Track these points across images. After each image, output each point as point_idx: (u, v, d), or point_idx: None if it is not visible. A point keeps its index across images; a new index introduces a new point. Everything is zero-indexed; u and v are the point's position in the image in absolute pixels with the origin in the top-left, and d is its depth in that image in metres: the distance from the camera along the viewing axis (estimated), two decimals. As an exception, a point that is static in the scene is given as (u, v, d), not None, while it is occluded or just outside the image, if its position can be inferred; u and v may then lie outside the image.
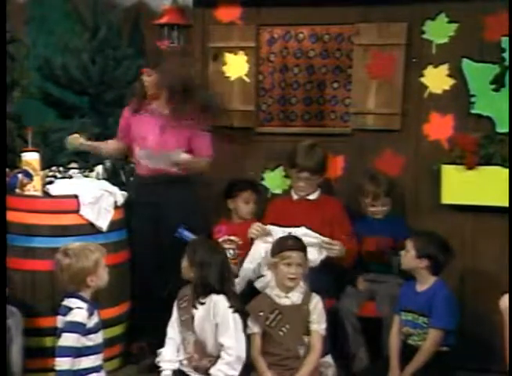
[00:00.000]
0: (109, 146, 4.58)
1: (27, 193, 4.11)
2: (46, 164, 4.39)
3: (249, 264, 4.16)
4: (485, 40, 4.30)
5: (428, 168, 4.38)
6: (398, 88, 4.48)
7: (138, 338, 4.35)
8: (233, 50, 4.73)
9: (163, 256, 4.28)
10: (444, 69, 4.41)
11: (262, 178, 4.77)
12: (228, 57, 4.75)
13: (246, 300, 3.89)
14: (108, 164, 4.50)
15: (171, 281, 4.05)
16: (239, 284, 4.05)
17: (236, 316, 3.70)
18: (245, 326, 3.76)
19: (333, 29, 4.65)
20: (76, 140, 4.43)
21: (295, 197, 4.43)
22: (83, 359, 3.41)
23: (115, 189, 4.26)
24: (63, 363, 3.35)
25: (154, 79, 4.33)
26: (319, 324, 3.81)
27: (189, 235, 4.09)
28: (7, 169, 4.13)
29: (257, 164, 4.76)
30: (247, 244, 4.28)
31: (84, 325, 3.40)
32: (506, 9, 4.18)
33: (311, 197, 4.40)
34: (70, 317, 3.41)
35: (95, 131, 5.02)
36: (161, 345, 3.83)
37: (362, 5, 4.48)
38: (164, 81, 4.31)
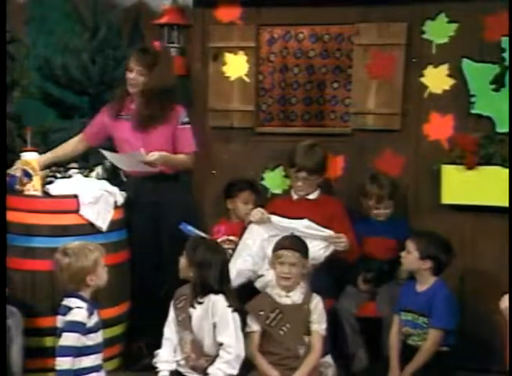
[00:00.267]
0: (67, 148, 4.49)
1: (26, 193, 4.11)
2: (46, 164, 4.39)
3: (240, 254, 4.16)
4: (485, 40, 4.31)
5: (428, 168, 4.38)
6: (398, 88, 4.48)
7: (138, 338, 4.35)
8: (233, 50, 4.73)
9: (162, 256, 4.28)
10: (444, 69, 4.41)
11: (262, 178, 4.77)
12: (228, 57, 4.75)
13: (244, 300, 3.88)
14: (108, 164, 4.49)
15: (167, 281, 4.04)
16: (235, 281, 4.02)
17: (235, 315, 3.68)
18: (243, 325, 3.75)
19: (333, 29, 4.65)
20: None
21: (295, 196, 4.44)
22: (83, 358, 3.41)
23: (115, 189, 4.25)
24: (63, 363, 3.35)
25: (143, 78, 4.29)
26: (319, 324, 3.81)
27: (192, 229, 4.08)
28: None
29: (257, 164, 4.76)
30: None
31: (84, 324, 3.40)
32: (506, 9, 4.18)
33: (311, 196, 4.40)
34: (70, 317, 3.41)
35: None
36: (159, 345, 3.81)
37: (362, 5, 4.48)
38: (157, 81, 4.28)
